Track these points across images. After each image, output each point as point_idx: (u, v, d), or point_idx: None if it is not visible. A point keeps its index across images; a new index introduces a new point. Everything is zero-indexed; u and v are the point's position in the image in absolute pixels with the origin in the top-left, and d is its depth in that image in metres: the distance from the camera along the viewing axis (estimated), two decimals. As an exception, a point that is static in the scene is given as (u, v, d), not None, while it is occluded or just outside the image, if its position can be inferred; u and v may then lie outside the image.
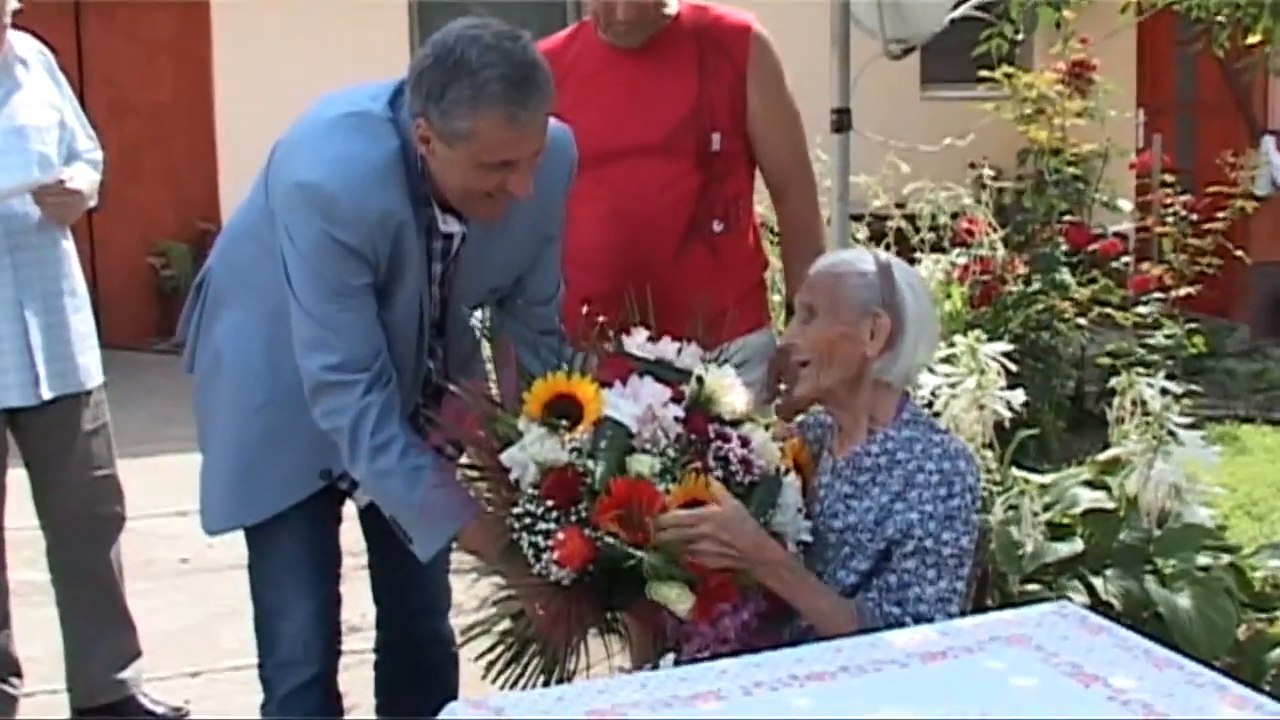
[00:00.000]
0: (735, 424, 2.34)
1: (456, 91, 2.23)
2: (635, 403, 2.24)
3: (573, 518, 2.13)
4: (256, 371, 2.57)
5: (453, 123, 2.25)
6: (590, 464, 2.17)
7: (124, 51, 9.44)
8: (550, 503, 2.14)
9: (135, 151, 9.33)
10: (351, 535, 2.83)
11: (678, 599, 2.12)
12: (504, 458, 2.21)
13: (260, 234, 2.49)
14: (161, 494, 5.32)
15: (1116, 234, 6.69)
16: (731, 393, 2.36)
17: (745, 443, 2.31)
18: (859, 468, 2.34)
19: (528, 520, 2.15)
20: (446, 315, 2.60)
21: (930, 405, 3.44)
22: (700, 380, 2.35)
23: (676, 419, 2.26)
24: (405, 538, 2.45)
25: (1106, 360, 5.88)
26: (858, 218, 5.71)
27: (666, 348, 2.41)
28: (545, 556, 2.12)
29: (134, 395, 7.44)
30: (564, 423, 2.22)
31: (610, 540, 2.11)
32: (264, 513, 2.61)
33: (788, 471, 2.35)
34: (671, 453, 2.22)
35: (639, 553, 2.10)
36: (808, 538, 2.32)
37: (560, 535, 2.11)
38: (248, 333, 2.58)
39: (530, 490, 2.17)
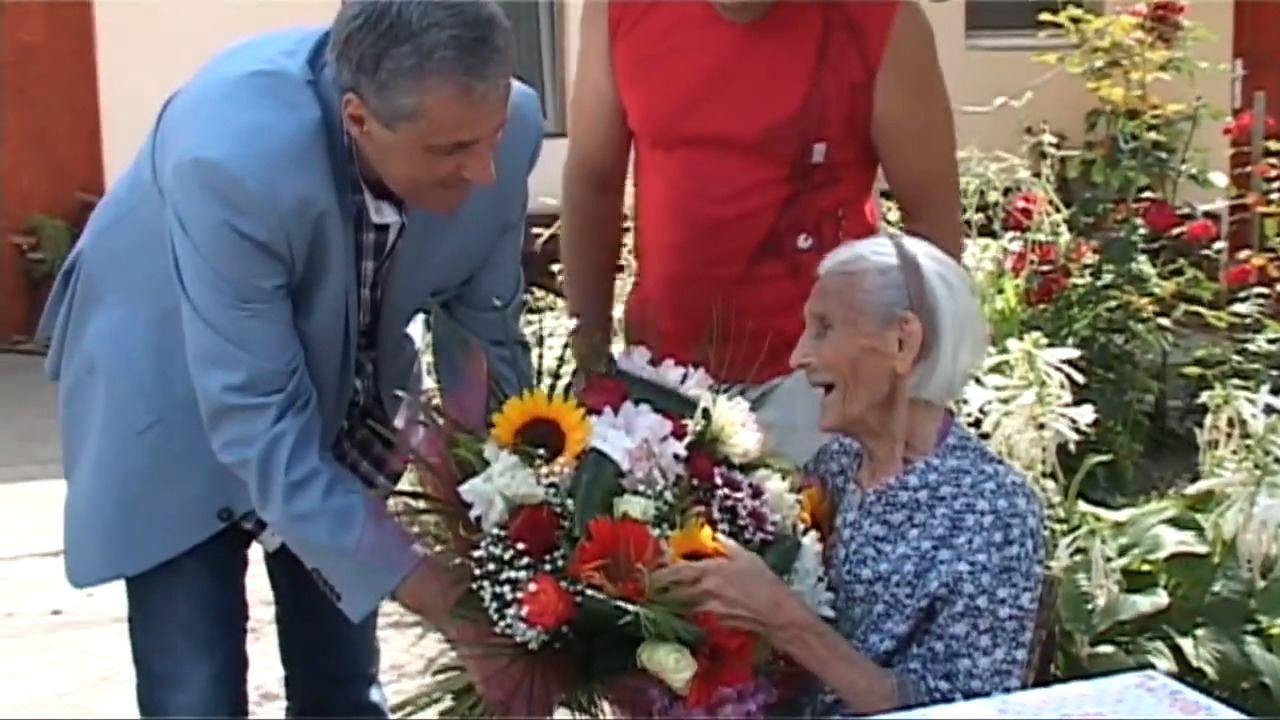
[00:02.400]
0: (746, 469, 2.34)
1: (395, 61, 2.18)
2: (628, 435, 2.22)
3: (546, 566, 2.12)
4: (140, 385, 2.53)
5: (392, 100, 2.20)
6: (570, 504, 2.15)
7: (-17, -18, 9.43)
8: (521, 546, 2.12)
9: (-2, 105, 9.31)
10: (263, 579, 2.81)
11: (677, 667, 2.10)
12: (464, 490, 2.20)
13: (146, 215, 2.45)
14: (27, 529, 5.30)
15: (1207, 214, 6.69)
16: (743, 432, 2.36)
17: (757, 493, 2.31)
18: (893, 504, 2.33)
19: (491, 566, 2.13)
20: (379, 323, 2.58)
21: (978, 425, 3.44)
22: (707, 414, 2.34)
23: (677, 457, 2.25)
24: (332, 594, 2.43)
25: (1195, 370, 5.89)
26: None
27: (670, 373, 2.40)
28: (510, 612, 2.10)
29: (-6, 405, 7.42)
30: (541, 452, 2.20)
31: (593, 594, 2.09)
32: (148, 560, 2.58)
33: (806, 530, 2.35)
34: (670, 497, 2.21)
35: (631, 607, 2.08)
36: (829, 612, 2.31)
37: (532, 586, 2.09)
38: (129, 336, 2.54)
39: (495, 531, 2.15)
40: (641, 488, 2.20)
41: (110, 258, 2.57)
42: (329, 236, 2.36)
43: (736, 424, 2.35)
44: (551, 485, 2.17)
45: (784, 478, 2.37)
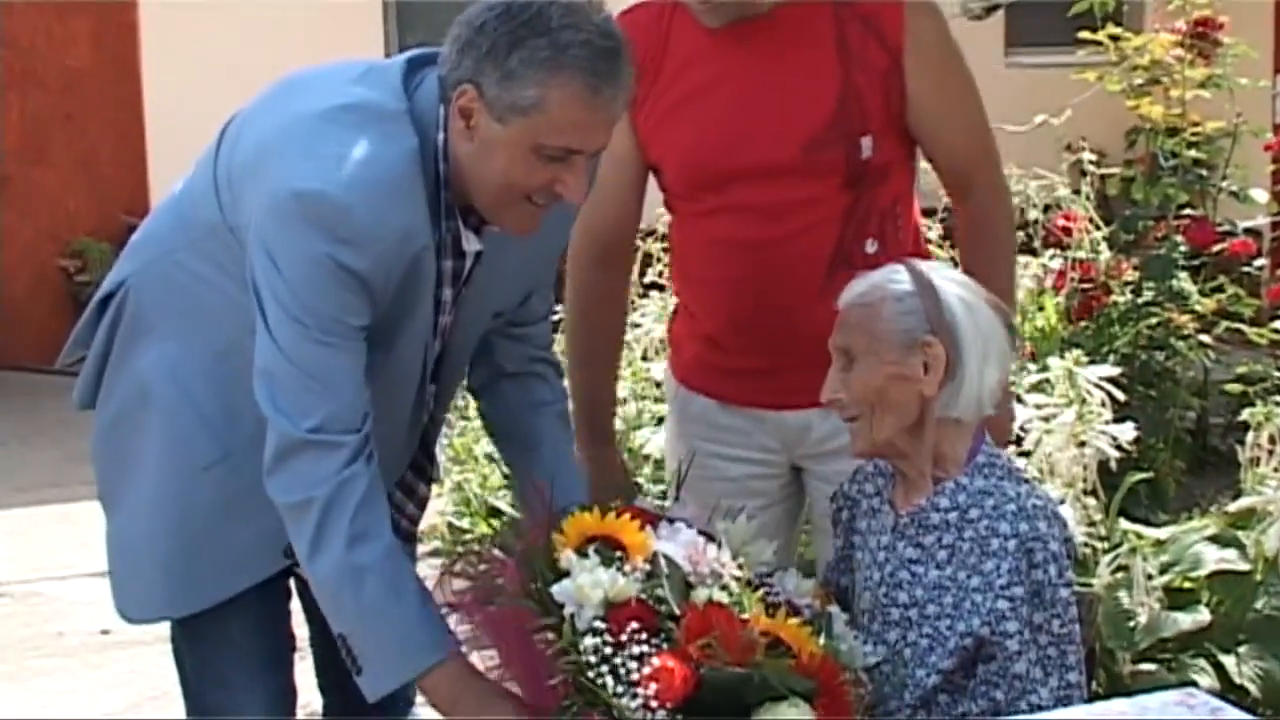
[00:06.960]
0: (770, 574, 2.43)
1: (529, 52, 2.21)
2: (676, 544, 2.27)
3: (662, 644, 2.14)
4: (204, 419, 2.48)
5: (516, 90, 2.22)
6: (659, 592, 2.19)
7: (29, 7, 9.47)
8: (637, 625, 2.13)
9: (43, 129, 9.36)
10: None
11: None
12: (556, 590, 2.19)
13: (210, 250, 2.44)
14: (76, 549, 5.31)
15: (1248, 231, 6.65)
16: (758, 544, 2.45)
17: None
18: (925, 526, 2.35)
19: (608, 651, 2.13)
20: (446, 352, 2.55)
21: (1019, 443, 3.44)
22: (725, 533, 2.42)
23: (722, 563, 2.30)
24: (353, 664, 2.34)
25: (1236, 387, 5.86)
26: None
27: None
28: (638, 692, 2.09)
29: (41, 427, 7.45)
30: (619, 554, 2.23)
31: (712, 665, 2.12)
32: (208, 599, 2.53)
33: (825, 605, 2.41)
34: (734, 586, 2.26)
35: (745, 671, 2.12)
36: (874, 660, 2.33)
37: (656, 661, 2.10)
38: (188, 370, 2.49)
39: (597, 624, 2.15)
40: (708, 582, 2.24)
41: (163, 290, 2.52)
42: (422, 270, 2.35)
43: (749, 537, 2.45)
44: (637, 580, 2.20)
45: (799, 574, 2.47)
